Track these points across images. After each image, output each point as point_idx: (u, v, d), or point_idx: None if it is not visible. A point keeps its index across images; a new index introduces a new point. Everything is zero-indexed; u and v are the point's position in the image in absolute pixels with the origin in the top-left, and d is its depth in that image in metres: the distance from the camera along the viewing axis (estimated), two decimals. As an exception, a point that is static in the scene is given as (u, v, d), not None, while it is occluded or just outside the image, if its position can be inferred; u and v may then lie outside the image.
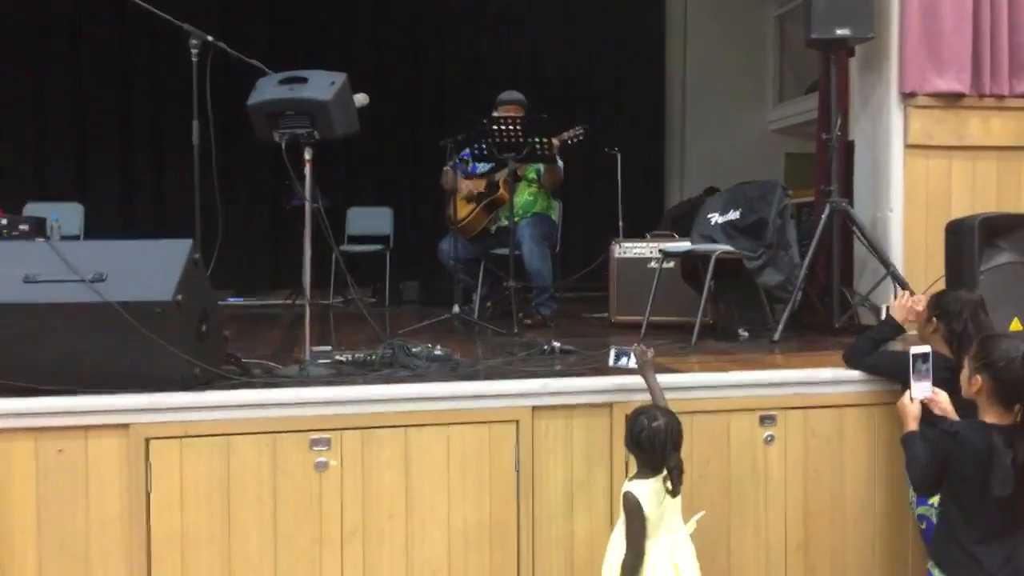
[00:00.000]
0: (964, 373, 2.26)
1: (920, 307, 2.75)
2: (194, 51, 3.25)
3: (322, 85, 2.83)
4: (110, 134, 7.00)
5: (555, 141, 4.48)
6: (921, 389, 2.41)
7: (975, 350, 2.24)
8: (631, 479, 2.32)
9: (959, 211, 3.79)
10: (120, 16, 6.88)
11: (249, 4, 7.19)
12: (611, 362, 2.60)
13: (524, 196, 4.77)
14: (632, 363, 2.55)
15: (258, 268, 7.20)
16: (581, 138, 4.66)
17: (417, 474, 2.50)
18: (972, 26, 4.00)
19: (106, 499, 2.34)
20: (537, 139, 4.23)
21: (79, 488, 2.33)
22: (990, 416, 2.19)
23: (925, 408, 2.44)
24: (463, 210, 4.78)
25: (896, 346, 2.98)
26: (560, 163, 4.70)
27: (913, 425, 2.39)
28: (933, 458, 2.25)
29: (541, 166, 4.70)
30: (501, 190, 4.64)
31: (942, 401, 2.40)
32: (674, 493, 2.24)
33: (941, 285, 3.42)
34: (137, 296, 2.34)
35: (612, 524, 2.59)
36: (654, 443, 2.23)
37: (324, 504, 2.44)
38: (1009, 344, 2.19)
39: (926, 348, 2.46)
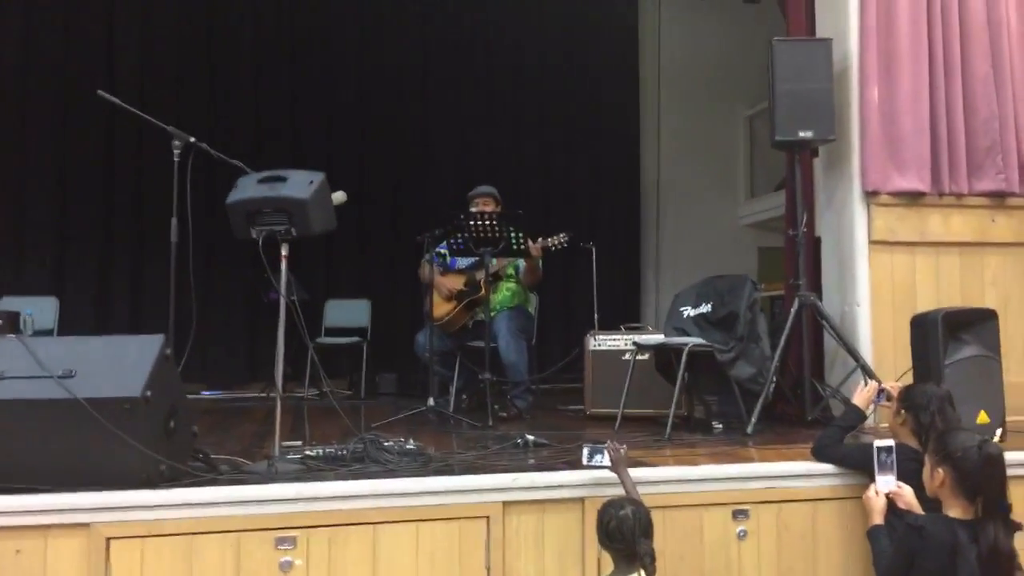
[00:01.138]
0: (926, 469, 2.28)
1: (872, 394, 2.91)
2: (176, 152, 3.33)
3: (301, 184, 2.89)
4: (90, 230, 7.03)
5: (538, 246, 4.58)
6: (885, 482, 2.43)
7: (933, 445, 2.29)
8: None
9: (924, 304, 3.88)
10: (107, 112, 7.01)
11: (234, 107, 7.36)
12: (584, 460, 2.60)
13: (502, 292, 4.82)
14: (605, 460, 2.55)
15: (235, 361, 7.15)
16: (565, 245, 4.74)
17: (385, 573, 2.45)
18: (930, 130, 4.17)
19: (64, 602, 2.27)
20: (513, 233, 4.31)
21: (36, 590, 2.26)
22: (954, 510, 2.20)
23: (890, 500, 2.44)
24: (443, 307, 4.81)
25: (866, 438, 3.00)
26: (540, 263, 4.77)
27: (878, 519, 2.39)
28: (898, 552, 2.25)
29: (521, 263, 4.77)
30: (482, 291, 4.69)
31: (906, 495, 2.42)
32: None
33: (909, 378, 3.48)
34: (105, 392, 2.33)
35: (585, 624, 2.54)
36: (623, 531, 2.22)
37: (288, 606, 2.38)
38: (965, 436, 2.26)
39: (890, 441, 2.50)
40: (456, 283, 4.81)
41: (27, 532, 2.27)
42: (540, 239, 4.70)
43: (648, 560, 2.23)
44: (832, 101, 4.04)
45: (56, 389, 2.32)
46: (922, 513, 2.35)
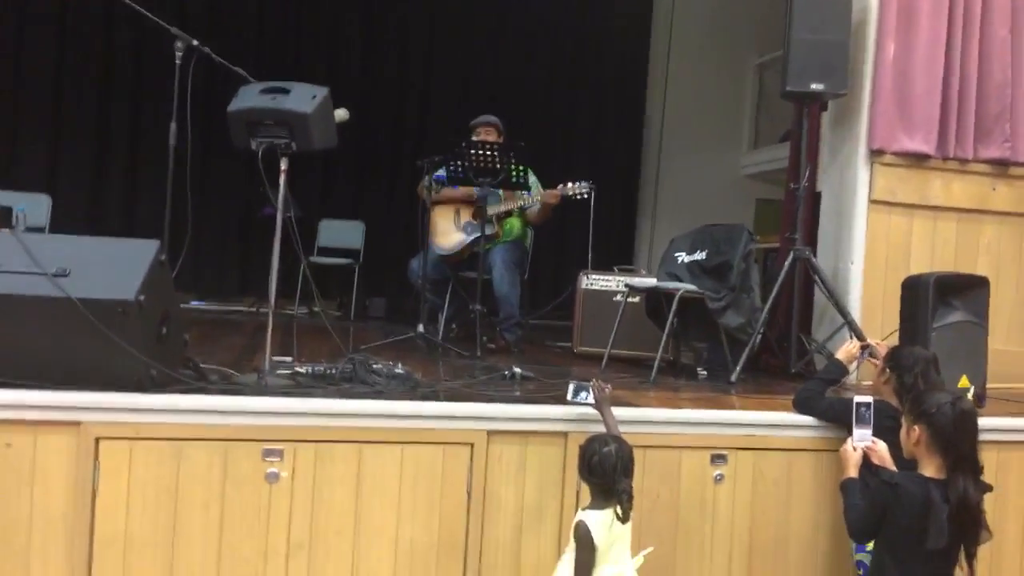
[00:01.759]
0: (903, 429, 2.33)
1: (856, 351, 2.98)
2: (179, 54, 3.27)
3: (304, 98, 2.85)
4: (86, 128, 6.94)
5: (558, 192, 4.54)
6: (861, 437, 2.48)
7: (909, 404, 2.35)
8: (584, 509, 2.34)
9: (917, 268, 3.90)
10: (107, 11, 6.85)
11: (239, 15, 7.19)
12: (569, 396, 2.63)
13: (504, 226, 4.80)
14: (590, 398, 2.59)
15: (225, 274, 7.14)
16: (586, 195, 4.69)
17: (368, 491, 2.50)
18: (942, 91, 4.13)
19: (51, 496, 2.31)
20: (514, 166, 4.28)
21: (24, 483, 2.30)
22: (929, 469, 2.26)
23: (865, 456, 2.50)
24: (449, 237, 4.76)
25: (847, 393, 3.05)
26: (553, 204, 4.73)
27: (853, 472, 2.44)
28: (871, 507, 2.31)
29: (530, 197, 4.72)
30: (496, 229, 4.66)
31: (880, 450, 2.47)
32: (624, 519, 2.26)
33: (895, 338, 3.52)
34: (99, 294, 2.32)
35: (560, 552, 2.61)
36: (604, 467, 2.27)
37: (272, 516, 2.43)
38: (940, 394, 2.33)
39: (868, 398, 2.54)
40: (464, 209, 4.74)
41: (18, 427, 2.30)
42: (560, 186, 4.67)
43: (625, 497, 2.27)
44: (847, 54, 3.97)
45: (49, 287, 2.32)
46: (895, 470, 2.40)
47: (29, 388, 2.30)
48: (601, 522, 2.26)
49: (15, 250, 2.42)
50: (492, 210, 4.64)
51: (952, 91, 4.16)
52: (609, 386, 2.61)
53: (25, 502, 2.30)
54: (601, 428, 2.52)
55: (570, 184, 4.65)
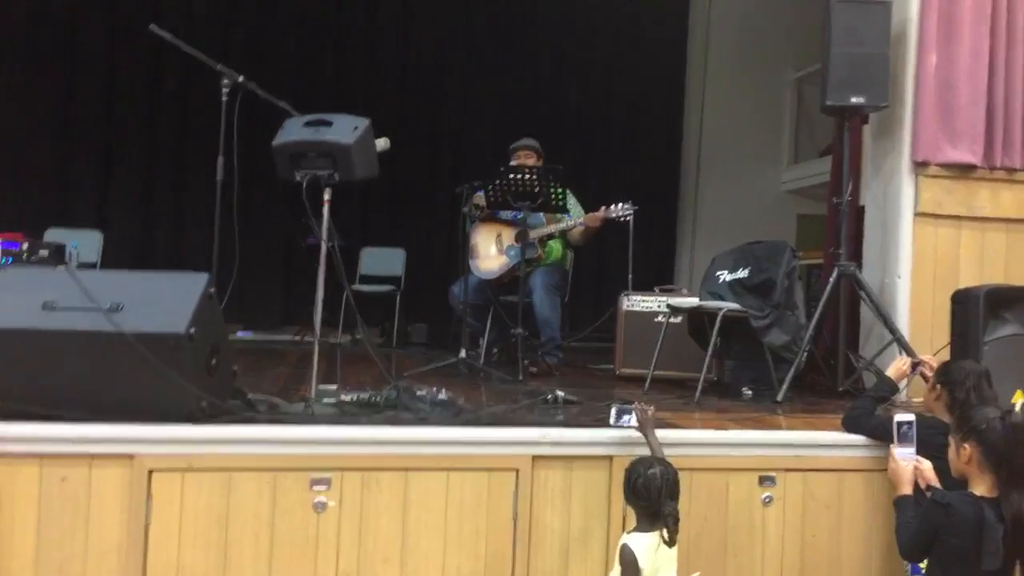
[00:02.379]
0: (952, 448, 2.28)
1: (906, 367, 2.92)
2: (225, 90, 3.35)
3: (346, 129, 2.91)
4: (134, 164, 7.13)
5: (601, 215, 4.55)
6: (904, 455, 2.43)
7: (956, 422, 2.31)
8: (629, 532, 2.32)
9: (967, 281, 3.82)
10: (154, 50, 7.05)
11: (279, 48, 7.36)
12: (612, 420, 2.61)
13: (547, 246, 4.81)
14: (633, 421, 2.57)
15: (269, 304, 7.25)
16: (630, 217, 4.69)
17: (415, 519, 2.51)
18: (986, 100, 4.06)
19: (105, 529, 2.36)
20: (553, 189, 4.29)
21: (80, 516, 2.35)
22: (980, 488, 2.21)
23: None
24: (494, 261, 4.79)
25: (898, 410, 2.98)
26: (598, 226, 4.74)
27: (907, 489, 2.39)
28: (923, 526, 2.26)
29: (577, 223, 4.72)
30: (539, 252, 4.68)
31: (925, 469, 2.42)
32: (671, 543, 2.24)
33: (946, 353, 3.45)
34: (152, 328, 2.38)
35: (607, 578, 2.59)
36: (649, 490, 2.26)
37: (320, 544, 2.45)
38: (988, 409, 2.29)
39: (910, 416, 2.49)
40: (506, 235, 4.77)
41: (73, 460, 2.35)
42: (603, 208, 4.67)
43: (671, 521, 2.25)
44: (887, 67, 3.93)
45: (103, 322, 2.38)
46: (944, 490, 2.35)
47: (83, 422, 2.36)
48: (647, 546, 2.24)
49: (70, 287, 2.49)
50: (535, 233, 4.65)
51: (997, 100, 4.09)
52: (652, 408, 2.60)
53: (80, 535, 2.35)
54: (646, 450, 2.50)
55: (612, 206, 4.65)
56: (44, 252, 4.51)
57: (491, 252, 4.83)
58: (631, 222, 5.83)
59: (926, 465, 2.45)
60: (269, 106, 3.35)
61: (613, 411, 2.62)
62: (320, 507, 2.44)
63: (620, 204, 4.66)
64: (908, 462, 2.45)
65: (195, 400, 2.43)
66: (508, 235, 4.79)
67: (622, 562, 2.25)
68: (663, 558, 2.26)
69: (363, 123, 2.96)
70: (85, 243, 5.56)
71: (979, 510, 2.17)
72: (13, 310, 2.44)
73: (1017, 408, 2.40)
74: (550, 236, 4.76)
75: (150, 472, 2.36)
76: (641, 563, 2.22)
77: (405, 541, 2.49)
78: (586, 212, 4.81)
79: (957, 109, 4.06)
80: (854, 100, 3.93)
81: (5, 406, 2.36)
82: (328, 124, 2.95)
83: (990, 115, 4.09)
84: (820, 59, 4.04)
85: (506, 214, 4.79)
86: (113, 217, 6.95)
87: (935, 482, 2.40)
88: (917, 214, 4.05)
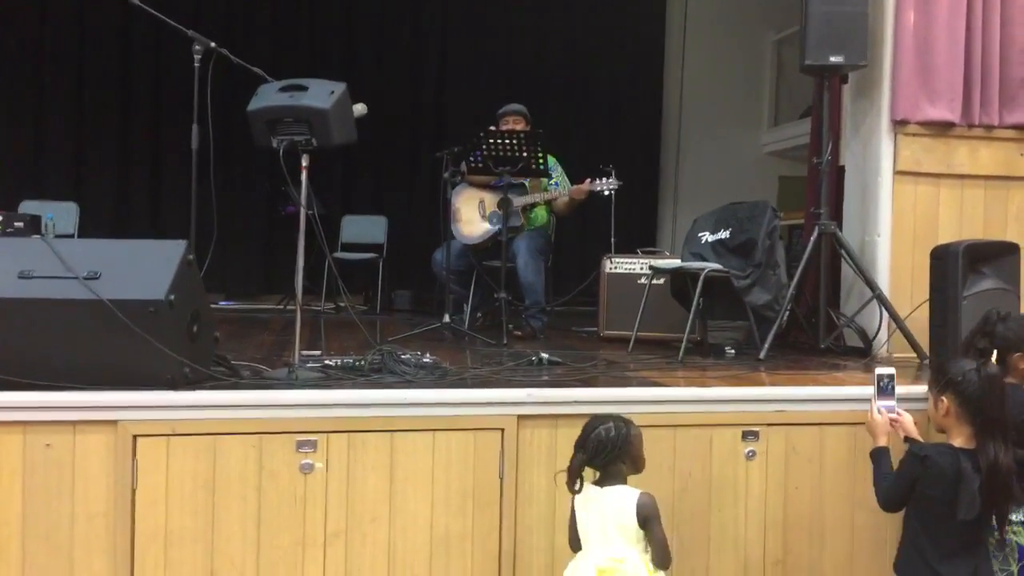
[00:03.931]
0: (930, 402, 2.32)
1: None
2: (197, 57, 3.29)
3: (322, 94, 2.86)
4: (108, 135, 7.02)
5: (585, 188, 4.55)
6: (886, 408, 2.45)
7: (932, 376, 2.34)
8: (621, 485, 2.24)
9: (946, 237, 3.85)
10: (124, 18, 6.92)
11: (253, 14, 7.24)
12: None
13: (531, 213, 4.81)
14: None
15: (250, 272, 7.21)
16: (614, 191, 4.70)
17: (401, 479, 2.52)
18: (964, 58, 4.06)
19: (92, 494, 2.35)
20: (532, 152, 4.27)
21: (65, 483, 2.34)
22: (958, 440, 2.25)
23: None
24: (474, 226, 4.78)
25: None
26: (557, 183, 4.74)
27: (883, 440, 2.42)
28: (900, 478, 2.29)
29: (561, 193, 4.74)
30: (522, 221, 4.67)
31: (907, 422, 2.44)
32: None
33: (926, 310, 3.49)
34: (130, 295, 2.36)
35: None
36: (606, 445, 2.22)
37: (308, 506, 2.46)
38: (963, 361, 2.30)
39: (891, 369, 2.51)
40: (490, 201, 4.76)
41: (57, 427, 2.34)
42: (588, 181, 4.67)
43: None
44: (866, 25, 3.92)
45: (82, 290, 2.36)
46: (921, 440, 2.39)
47: (66, 389, 2.34)
48: None
49: (46, 256, 2.46)
50: (519, 202, 4.64)
51: (975, 58, 4.09)
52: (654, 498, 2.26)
53: (67, 500, 2.35)
54: (628, 408, 2.50)
55: (598, 180, 4.65)
56: (19, 224, 4.46)
57: (474, 217, 4.82)
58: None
59: (906, 418, 2.47)
60: (245, 73, 3.29)
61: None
62: (307, 468, 2.45)
63: (605, 179, 4.65)
64: (891, 414, 2.47)
65: (178, 366, 2.42)
66: (491, 201, 4.78)
67: (653, 515, 2.19)
68: None
69: (339, 87, 2.92)
70: (61, 215, 5.50)
71: (956, 461, 2.21)
72: (-11, 279, 2.41)
73: (992, 359, 2.43)
74: (533, 205, 4.75)
75: (135, 437, 2.36)
76: None
77: (392, 501, 2.51)
78: (572, 183, 4.80)
79: (935, 67, 4.05)
80: (833, 59, 3.91)
81: (-15, 374, 2.34)
82: (303, 89, 2.90)
83: (968, 73, 4.09)
84: (799, 19, 4.02)
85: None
86: (89, 189, 6.86)
87: (915, 434, 2.44)
88: (896, 172, 4.06)
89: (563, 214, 4.96)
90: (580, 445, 2.24)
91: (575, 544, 2.30)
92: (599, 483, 2.25)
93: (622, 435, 2.23)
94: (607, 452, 2.22)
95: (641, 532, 2.19)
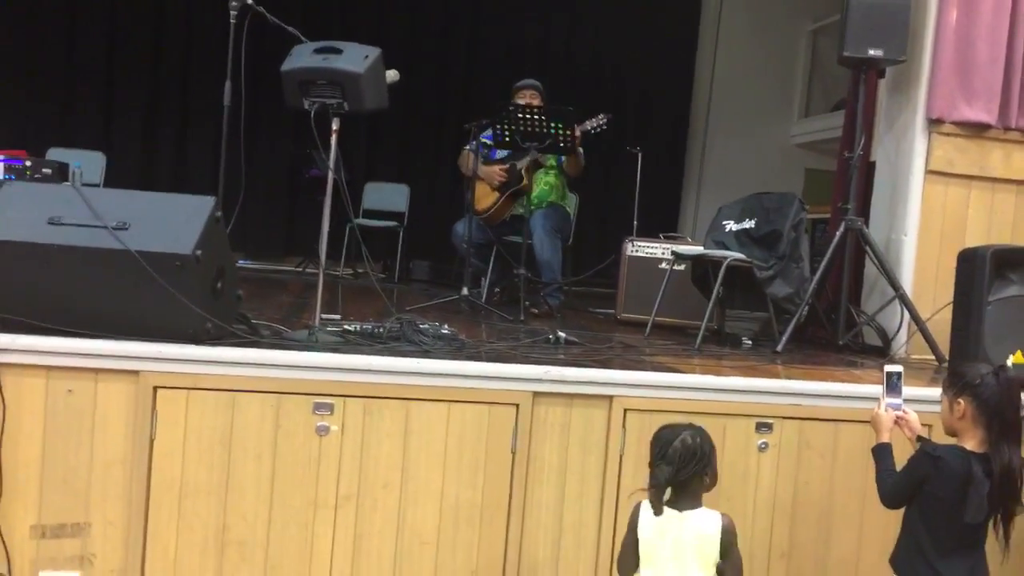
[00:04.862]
0: (944, 405, 2.30)
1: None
2: (233, 12, 3.28)
3: (356, 58, 2.85)
4: (138, 87, 7.03)
5: (577, 130, 4.51)
6: (892, 405, 2.44)
7: (948, 379, 2.32)
8: (691, 510, 2.11)
9: (973, 240, 3.81)
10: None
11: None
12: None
13: (540, 186, 4.80)
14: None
15: (271, 233, 7.23)
16: (604, 127, 4.68)
17: (415, 447, 2.54)
18: (1005, 59, 4.00)
19: (110, 442, 2.39)
20: (560, 128, 4.25)
21: (85, 428, 2.38)
22: (970, 443, 2.24)
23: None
24: (487, 199, 4.80)
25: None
26: (581, 150, 4.73)
27: (886, 436, 2.40)
28: (908, 476, 2.28)
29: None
30: (524, 180, 4.66)
31: (913, 421, 2.42)
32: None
33: (948, 312, 3.46)
34: (157, 247, 2.37)
35: (601, 515, 2.64)
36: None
37: (322, 467, 2.48)
38: (980, 365, 2.31)
39: (899, 367, 2.49)
40: (498, 175, 4.79)
41: (79, 374, 2.37)
42: (576, 125, 4.63)
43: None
44: (907, 20, 3.85)
45: (109, 239, 2.37)
46: (926, 438, 2.38)
47: (90, 337, 2.37)
48: None
49: (76, 203, 2.47)
50: (521, 164, 4.66)
51: (1016, 59, 4.03)
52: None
53: (85, 447, 2.38)
54: (646, 391, 2.50)
55: (587, 121, 4.62)
56: (47, 170, 4.49)
57: (486, 191, 4.82)
58: (639, 168, 5.82)
59: (913, 416, 2.45)
60: (274, 33, 3.28)
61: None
62: (323, 431, 2.47)
63: (594, 118, 4.62)
64: (897, 412, 2.45)
65: (200, 321, 2.43)
66: (500, 174, 4.79)
67: (735, 540, 2.12)
68: None
69: (374, 52, 2.91)
70: (88, 164, 5.51)
71: (968, 464, 2.20)
72: (19, 224, 2.43)
73: (1009, 363, 2.42)
74: (536, 165, 4.68)
75: (155, 389, 2.38)
76: None
77: (405, 468, 2.53)
78: (588, 158, 4.79)
79: (975, 67, 3.99)
80: (872, 52, 3.86)
81: (12, 319, 2.37)
82: (338, 52, 2.89)
83: (1008, 75, 4.03)
84: (840, 9, 3.96)
85: (500, 154, 4.80)
86: (116, 139, 6.88)
87: (922, 432, 2.42)
88: (928, 172, 4.02)
89: (572, 173, 4.92)
90: (661, 457, 2.07)
91: (627, 568, 2.12)
92: (674, 504, 2.09)
93: (708, 443, 2.10)
94: (695, 463, 2.06)
95: (719, 558, 2.07)
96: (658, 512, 2.06)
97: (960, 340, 3.36)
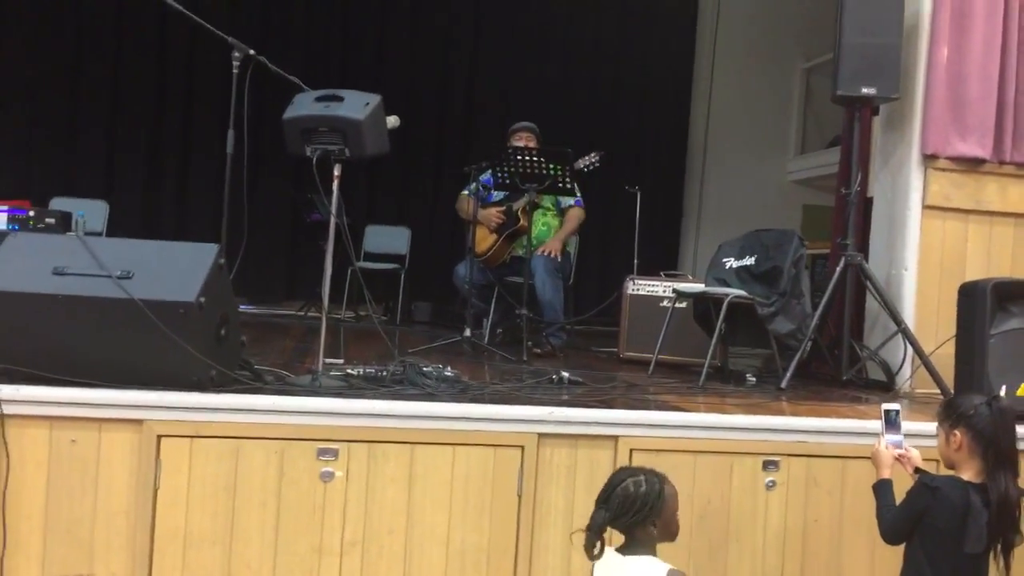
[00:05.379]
0: (940, 437, 2.30)
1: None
2: (235, 63, 3.33)
3: (357, 105, 2.90)
4: (140, 135, 7.10)
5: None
6: (893, 442, 2.43)
7: (942, 412, 2.33)
8: (643, 554, 1.99)
9: (973, 273, 3.83)
10: (161, 20, 7.02)
11: (287, 23, 7.32)
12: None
13: (539, 227, 4.83)
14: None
15: (273, 278, 7.25)
16: (597, 165, 4.73)
17: (420, 491, 2.53)
18: (997, 94, 4.05)
19: (114, 492, 2.38)
20: (558, 170, 4.29)
21: (89, 479, 2.37)
22: (967, 473, 2.24)
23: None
24: (485, 242, 4.83)
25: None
26: (580, 199, 4.76)
27: (886, 473, 2.38)
28: (908, 509, 2.26)
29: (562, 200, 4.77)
30: (521, 221, 4.70)
31: (914, 458, 2.41)
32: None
33: (951, 346, 3.45)
34: (161, 295, 2.39)
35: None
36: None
37: (326, 514, 2.47)
38: (974, 396, 2.32)
39: (896, 405, 2.48)
40: (496, 217, 4.82)
41: (83, 424, 2.37)
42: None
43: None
44: (899, 58, 3.92)
45: (113, 288, 2.39)
46: (925, 471, 2.36)
47: (94, 387, 2.37)
48: None
49: (80, 253, 2.50)
50: (518, 204, 4.69)
51: (1008, 95, 4.08)
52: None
53: (89, 497, 2.37)
54: (648, 431, 2.50)
55: (579, 160, 4.65)
56: (51, 220, 4.52)
57: (484, 234, 4.85)
58: (638, 207, 5.85)
59: (914, 453, 2.44)
60: (273, 81, 3.33)
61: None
62: (327, 477, 2.46)
63: (587, 156, 4.66)
64: (898, 450, 2.44)
65: (204, 368, 2.44)
66: (498, 216, 4.83)
67: None
68: None
69: (375, 99, 2.96)
70: (91, 213, 5.54)
71: (966, 494, 2.20)
72: (24, 274, 2.45)
73: (1002, 393, 2.43)
74: (534, 206, 4.70)
75: (159, 438, 2.38)
76: None
77: (410, 513, 2.51)
78: (587, 199, 4.83)
79: (967, 102, 4.04)
80: (865, 91, 3.91)
81: (15, 369, 2.37)
82: (340, 99, 2.94)
83: (1000, 109, 4.08)
84: (832, 49, 4.02)
85: (497, 196, 4.85)
86: (118, 188, 6.92)
87: (924, 467, 2.41)
88: (925, 207, 4.05)
89: (573, 232, 4.96)
90: (603, 500, 1.99)
91: None
92: (623, 550, 1.99)
93: (654, 492, 1.97)
94: (635, 511, 1.95)
95: None
96: (590, 556, 1.97)
97: (964, 374, 3.35)
